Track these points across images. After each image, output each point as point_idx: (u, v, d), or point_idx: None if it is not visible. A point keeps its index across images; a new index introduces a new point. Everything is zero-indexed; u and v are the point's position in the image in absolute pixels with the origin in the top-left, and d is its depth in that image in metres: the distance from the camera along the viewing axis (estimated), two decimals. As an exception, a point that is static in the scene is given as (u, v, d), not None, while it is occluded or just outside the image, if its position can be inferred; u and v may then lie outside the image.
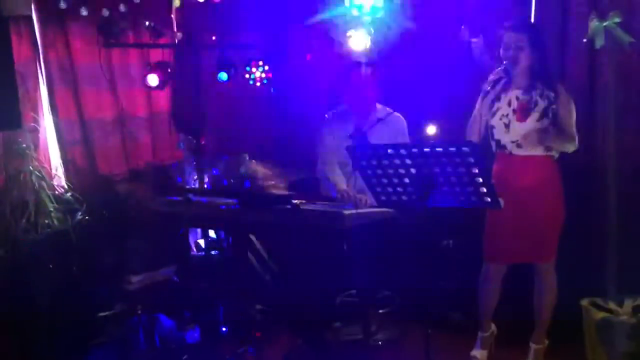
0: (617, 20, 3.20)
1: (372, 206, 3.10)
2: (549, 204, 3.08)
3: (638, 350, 2.97)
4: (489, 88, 3.03)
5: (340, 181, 3.62)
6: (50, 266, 3.47)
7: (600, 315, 3.08)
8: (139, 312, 3.53)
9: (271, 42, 4.97)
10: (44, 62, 4.04)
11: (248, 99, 5.11)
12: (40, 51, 4.02)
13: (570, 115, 3.04)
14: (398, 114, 3.69)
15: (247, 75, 4.82)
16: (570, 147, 3.04)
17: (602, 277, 3.40)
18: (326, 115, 3.88)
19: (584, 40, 3.34)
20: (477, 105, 3.15)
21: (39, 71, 4.01)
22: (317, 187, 3.87)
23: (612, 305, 3.14)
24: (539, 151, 3.04)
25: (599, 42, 3.25)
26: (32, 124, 3.84)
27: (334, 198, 3.49)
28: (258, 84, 4.85)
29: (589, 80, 3.53)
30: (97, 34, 4.19)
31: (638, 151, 3.39)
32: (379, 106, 3.74)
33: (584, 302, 3.19)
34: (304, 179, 4.11)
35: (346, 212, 2.90)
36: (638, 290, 3.18)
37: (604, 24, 3.22)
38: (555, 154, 3.08)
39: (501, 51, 3.07)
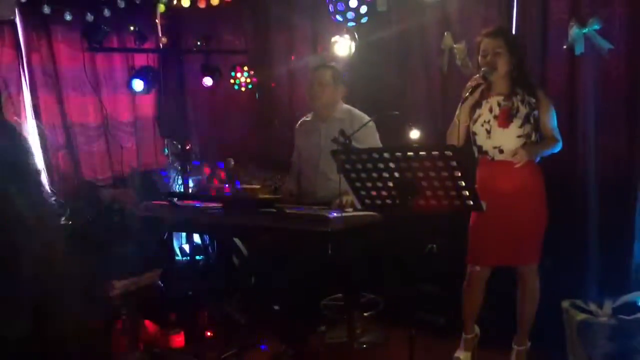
0: (596, 27, 3.26)
1: (356, 209, 3.12)
2: (532, 207, 3.12)
3: (618, 351, 3.02)
4: (467, 94, 3.05)
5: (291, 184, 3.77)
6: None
7: (581, 316, 3.12)
8: (123, 317, 3.51)
9: (256, 47, 4.99)
10: (27, 66, 4.03)
11: (233, 104, 5.12)
12: (24, 55, 4.00)
13: (552, 121, 3.09)
14: (369, 118, 3.53)
15: (232, 80, 4.82)
16: (557, 149, 3.10)
17: (582, 279, 3.44)
18: (297, 126, 3.87)
19: (564, 47, 3.40)
20: (457, 112, 3.19)
21: (22, 75, 4.00)
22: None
23: (592, 307, 3.17)
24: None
25: (579, 49, 3.32)
26: (15, 128, 3.82)
27: (318, 202, 3.50)
28: (243, 88, 4.86)
29: (570, 86, 3.58)
30: (81, 38, 4.19)
31: (618, 155, 3.45)
32: (346, 107, 3.70)
33: (565, 303, 3.23)
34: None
35: (331, 215, 2.91)
36: (618, 292, 3.22)
37: (584, 30, 3.28)
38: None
39: (479, 58, 3.10)
